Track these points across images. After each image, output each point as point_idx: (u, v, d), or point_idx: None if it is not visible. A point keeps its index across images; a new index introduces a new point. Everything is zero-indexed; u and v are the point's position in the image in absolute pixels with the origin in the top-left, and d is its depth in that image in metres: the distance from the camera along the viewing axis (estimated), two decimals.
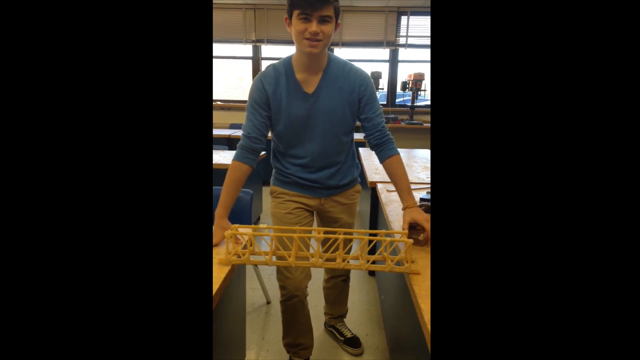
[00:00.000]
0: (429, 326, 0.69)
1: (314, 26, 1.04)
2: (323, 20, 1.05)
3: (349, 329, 1.66)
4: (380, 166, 1.27)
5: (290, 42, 1.16)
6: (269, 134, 1.25)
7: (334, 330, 1.68)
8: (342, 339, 1.63)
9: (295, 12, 1.05)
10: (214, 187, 1.49)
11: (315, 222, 1.42)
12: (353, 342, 1.61)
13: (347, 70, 1.19)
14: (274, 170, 1.36)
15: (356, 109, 1.22)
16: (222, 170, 1.37)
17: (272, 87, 1.18)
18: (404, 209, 1.14)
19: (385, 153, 1.21)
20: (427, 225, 1.05)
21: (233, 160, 1.17)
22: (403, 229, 1.07)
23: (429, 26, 4.78)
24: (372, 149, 1.26)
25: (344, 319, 1.70)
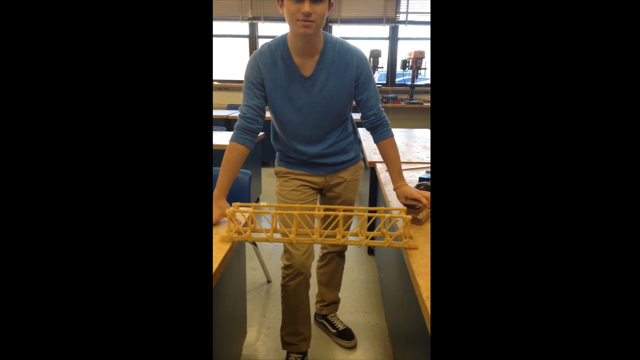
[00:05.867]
0: (426, 302, 0.71)
1: (306, 6, 1.02)
2: None
3: (341, 321, 1.62)
4: None
5: None
6: (267, 115, 1.25)
7: (325, 323, 1.63)
8: (334, 331, 1.58)
9: None
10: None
11: (318, 202, 1.42)
12: (346, 334, 1.56)
13: (343, 50, 1.17)
14: (277, 152, 1.36)
15: (353, 89, 1.21)
16: (220, 151, 1.36)
17: (267, 68, 1.16)
18: (395, 189, 1.20)
19: (380, 135, 1.24)
20: (424, 200, 1.08)
21: (230, 141, 1.17)
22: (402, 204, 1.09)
23: (430, 2, 4.69)
24: (367, 129, 1.27)
25: (336, 312, 1.65)
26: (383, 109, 1.25)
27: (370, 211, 0.97)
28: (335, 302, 1.64)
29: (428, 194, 1.11)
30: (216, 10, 4.72)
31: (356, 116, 1.47)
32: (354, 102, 1.27)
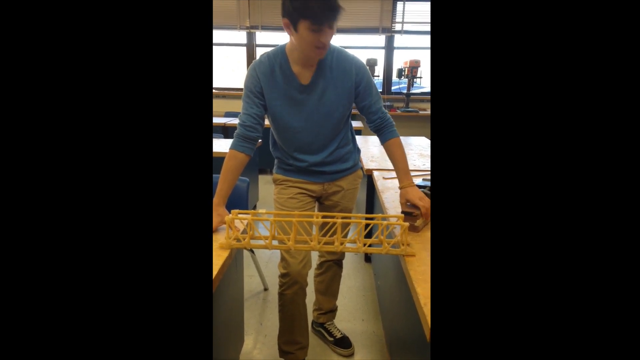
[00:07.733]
0: (424, 309, 0.71)
1: (327, 35, 1.05)
2: (331, 26, 1.05)
3: (338, 329, 1.61)
4: (377, 154, 1.30)
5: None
6: (267, 122, 1.26)
7: (322, 331, 1.62)
8: (332, 339, 1.58)
9: (305, 23, 1.03)
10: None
11: (316, 211, 1.42)
12: (343, 343, 1.56)
13: (342, 58, 1.19)
14: (275, 160, 1.37)
15: (352, 97, 1.23)
16: (218, 158, 1.37)
17: (266, 77, 1.18)
18: (400, 188, 1.20)
19: (386, 136, 1.26)
20: (421, 204, 1.10)
21: (230, 149, 1.18)
22: (401, 206, 1.11)
23: (426, 12, 4.75)
24: (373, 132, 1.30)
25: (334, 320, 1.65)
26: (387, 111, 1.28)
27: (367, 218, 0.98)
28: (333, 310, 1.63)
29: (427, 201, 1.12)
30: (214, 18, 4.75)
31: (355, 124, 1.49)
32: (353, 110, 1.29)
